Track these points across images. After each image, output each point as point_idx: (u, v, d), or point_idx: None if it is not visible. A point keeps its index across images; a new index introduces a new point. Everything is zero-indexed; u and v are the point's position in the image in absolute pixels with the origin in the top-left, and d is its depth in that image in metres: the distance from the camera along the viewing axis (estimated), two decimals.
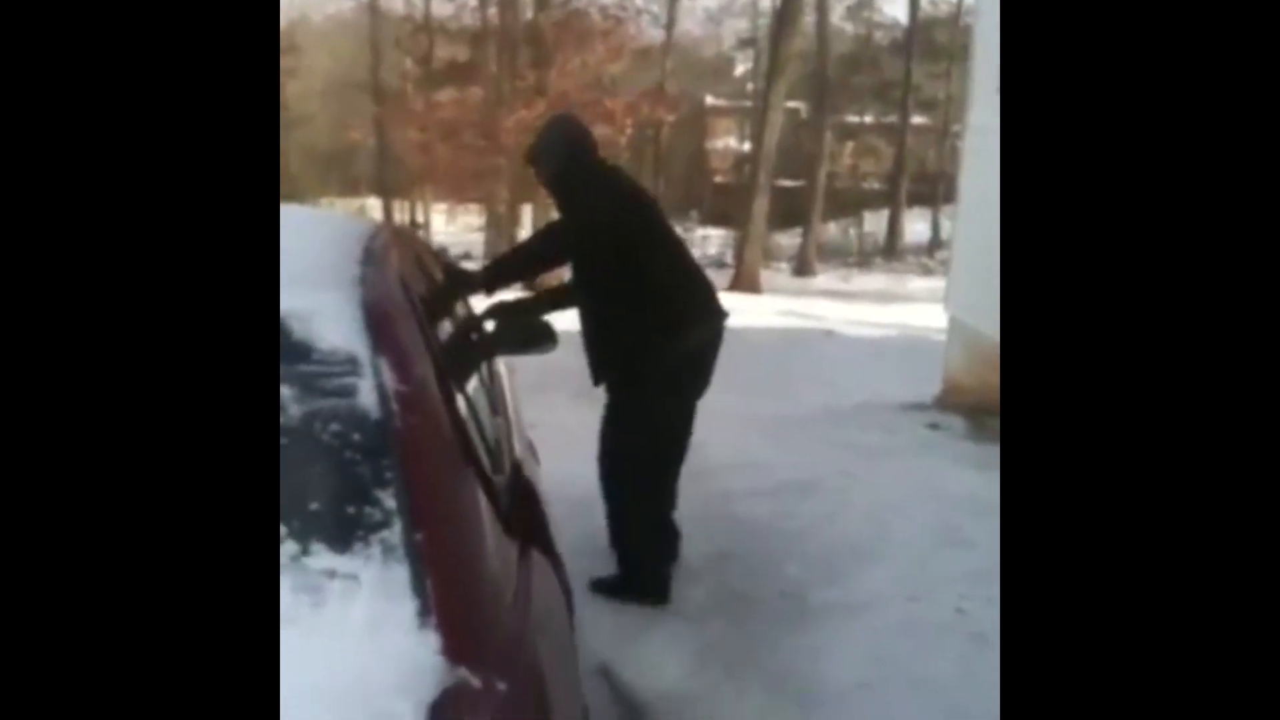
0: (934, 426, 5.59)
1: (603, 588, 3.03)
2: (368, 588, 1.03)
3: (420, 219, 27.94)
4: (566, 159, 2.96)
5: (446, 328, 2.08)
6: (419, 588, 1.03)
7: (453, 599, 1.05)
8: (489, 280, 2.82)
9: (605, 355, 2.96)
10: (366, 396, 1.19)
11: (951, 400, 6.21)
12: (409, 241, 2.16)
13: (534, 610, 1.25)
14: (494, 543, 1.23)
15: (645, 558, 3.04)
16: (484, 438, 1.57)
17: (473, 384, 1.90)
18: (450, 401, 1.38)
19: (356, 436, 1.14)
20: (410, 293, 1.61)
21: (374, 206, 25.90)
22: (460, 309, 2.59)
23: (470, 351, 2.21)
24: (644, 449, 2.95)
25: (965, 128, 6.71)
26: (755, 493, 4.06)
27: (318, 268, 1.41)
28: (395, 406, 1.19)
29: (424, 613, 1.01)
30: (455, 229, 28.92)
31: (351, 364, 1.22)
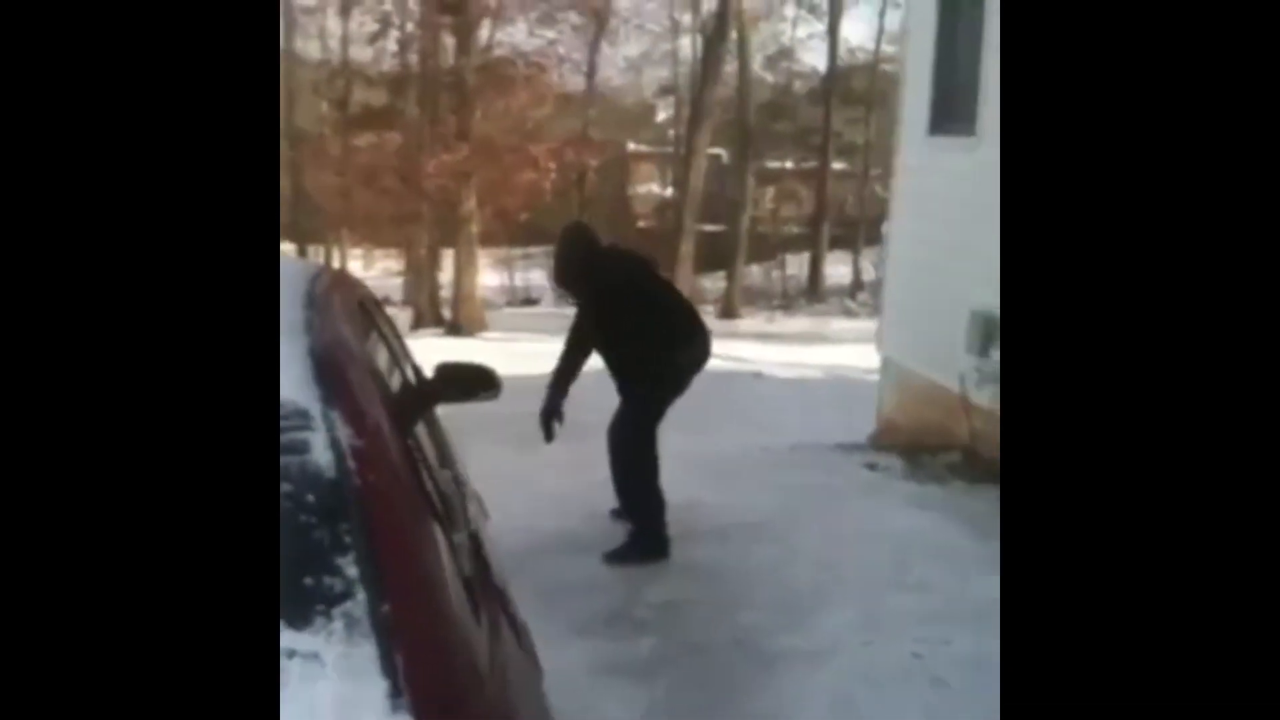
0: (872, 466, 5.57)
1: (616, 557, 3.69)
2: (332, 668, 0.91)
3: (336, 264, 27.46)
4: (585, 258, 3.82)
5: (389, 377, 1.96)
6: (388, 666, 0.92)
7: (426, 676, 0.94)
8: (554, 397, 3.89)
9: (624, 369, 3.81)
10: (320, 453, 1.08)
11: (887, 439, 6.23)
12: (350, 286, 2.04)
13: (510, 681, 1.14)
14: (462, 610, 1.13)
15: (655, 518, 3.80)
16: (440, 494, 1.46)
17: (420, 435, 1.79)
18: (408, 456, 1.27)
19: (310, 498, 1.03)
20: (355, 336, 1.50)
21: (288, 251, 25.35)
22: (401, 356, 2.47)
23: (414, 401, 2.09)
24: (648, 430, 3.81)
25: (894, 170, 6.80)
26: (702, 536, 3.97)
27: None
28: (352, 463, 1.08)
29: (395, 694, 0.91)
30: (374, 274, 28.45)
31: (302, 417, 1.11)
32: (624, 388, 3.84)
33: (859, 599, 3.31)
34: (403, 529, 1.11)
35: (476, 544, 1.62)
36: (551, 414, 3.91)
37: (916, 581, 3.44)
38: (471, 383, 2.57)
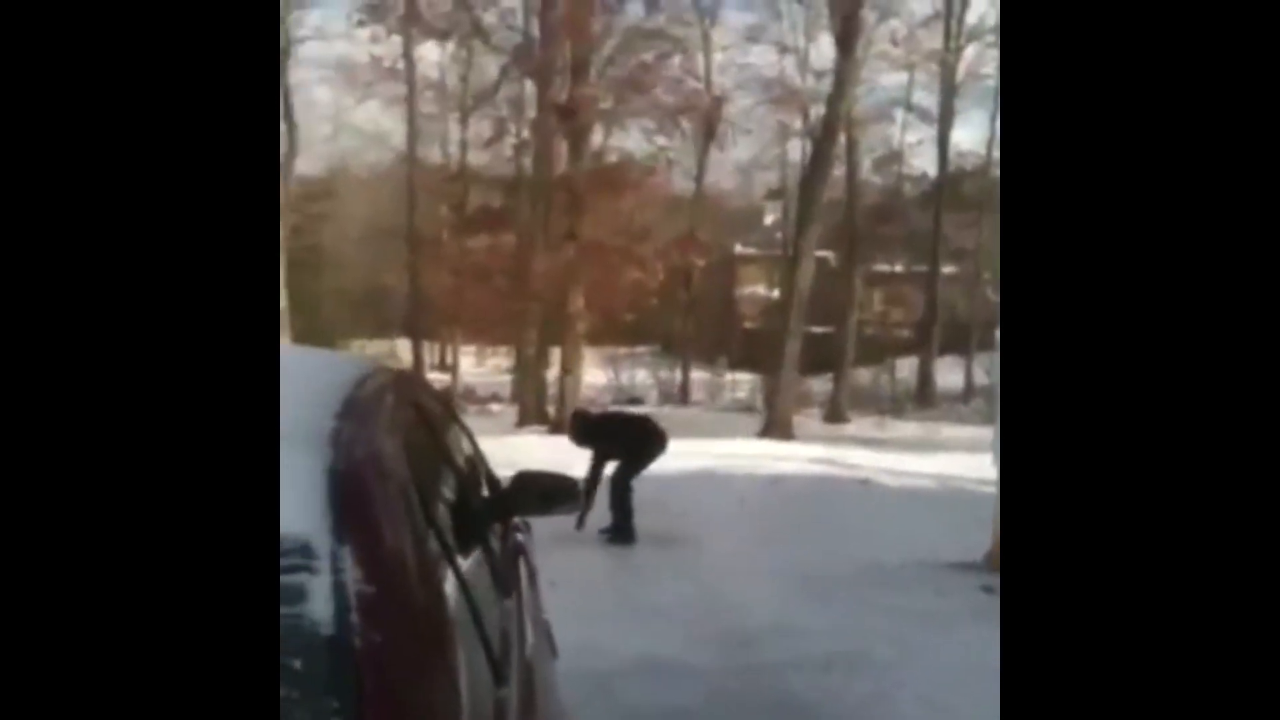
0: (988, 589, 5.14)
1: (617, 541, 6.43)
2: None
3: (450, 360, 28.09)
4: (585, 429, 6.93)
5: (450, 487, 1.78)
6: None
7: None
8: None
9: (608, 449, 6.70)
10: (319, 604, 0.88)
11: None
12: (408, 386, 1.87)
13: None
14: None
15: (630, 520, 6.49)
16: (484, 637, 1.25)
17: (475, 559, 1.60)
18: (436, 601, 1.07)
19: (297, 664, 0.83)
20: (399, 451, 1.32)
21: (404, 348, 26.09)
22: (472, 464, 2.30)
23: (479, 517, 1.91)
24: (628, 479, 6.63)
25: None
26: (799, 666, 3.66)
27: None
28: (356, 618, 0.88)
29: None
30: (484, 371, 29.02)
31: (303, 554, 0.92)
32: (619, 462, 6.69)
33: None
34: (410, 703, 0.90)
35: (529, 694, 1.41)
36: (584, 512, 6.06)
37: None
38: (551, 494, 2.35)
